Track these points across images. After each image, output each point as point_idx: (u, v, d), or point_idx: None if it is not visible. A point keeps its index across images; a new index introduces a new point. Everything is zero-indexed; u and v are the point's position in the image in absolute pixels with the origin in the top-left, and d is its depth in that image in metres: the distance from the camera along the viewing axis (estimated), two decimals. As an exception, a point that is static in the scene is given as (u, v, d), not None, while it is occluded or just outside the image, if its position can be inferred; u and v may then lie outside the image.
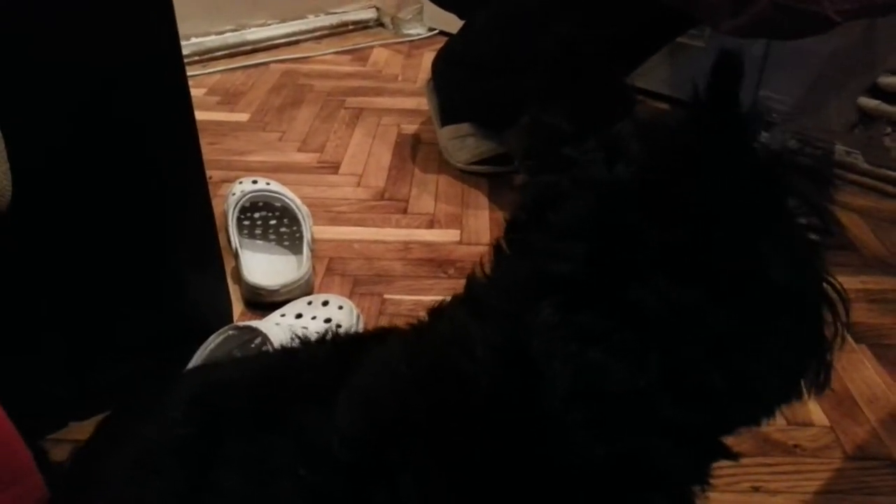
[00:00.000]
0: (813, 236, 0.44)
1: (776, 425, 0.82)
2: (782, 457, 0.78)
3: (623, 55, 1.23)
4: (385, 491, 0.38)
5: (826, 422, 0.83)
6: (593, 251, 0.39)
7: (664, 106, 1.45)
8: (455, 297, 0.46)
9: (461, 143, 1.31)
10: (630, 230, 0.39)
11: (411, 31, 1.98)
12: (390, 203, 1.24)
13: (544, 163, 0.45)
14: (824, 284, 0.44)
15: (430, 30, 1.97)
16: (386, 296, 1.02)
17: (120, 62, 0.68)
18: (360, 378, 0.44)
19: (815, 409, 0.84)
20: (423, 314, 0.49)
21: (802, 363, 0.43)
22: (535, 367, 0.38)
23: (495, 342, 0.40)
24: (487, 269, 0.45)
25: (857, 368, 0.90)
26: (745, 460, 0.76)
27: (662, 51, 1.39)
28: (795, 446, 0.80)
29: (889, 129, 1.24)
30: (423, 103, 1.45)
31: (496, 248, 0.45)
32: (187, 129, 0.78)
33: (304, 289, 0.98)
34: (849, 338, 0.95)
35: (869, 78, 1.23)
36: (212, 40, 1.75)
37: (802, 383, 0.44)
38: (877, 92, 1.23)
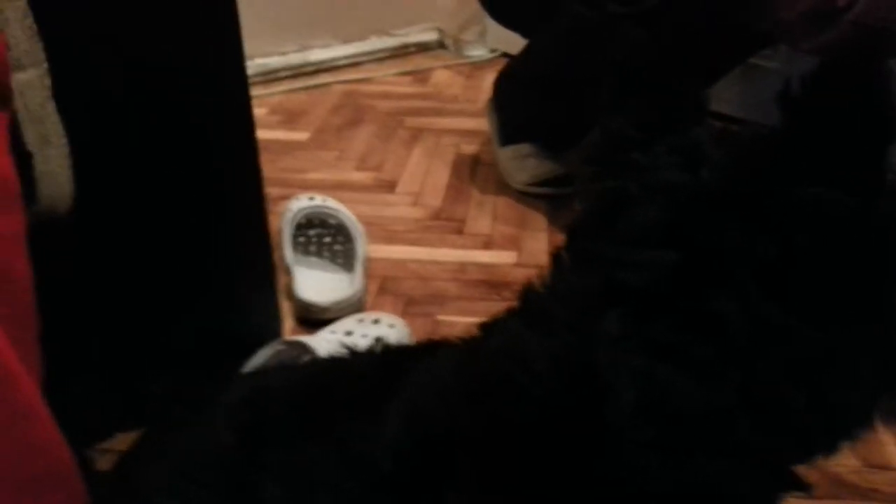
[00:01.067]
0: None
1: (851, 466, 0.76)
2: (857, 500, 0.73)
3: (693, 72, 1.20)
4: (432, 506, 0.36)
5: (908, 465, 0.76)
6: (672, 259, 0.36)
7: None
8: (510, 310, 0.43)
9: (521, 163, 1.29)
10: (716, 239, 0.36)
11: (473, 53, 1.98)
12: (447, 223, 1.22)
13: (610, 168, 0.42)
14: None
15: (493, 51, 1.96)
16: (439, 317, 0.99)
17: (188, 77, 0.69)
18: (409, 390, 0.41)
19: (893, 452, 0.78)
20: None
21: (882, 391, 0.40)
22: (597, 382, 0.35)
23: (554, 354, 0.37)
24: (546, 280, 0.42)
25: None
26: (816, 503, 0.71)
27: (734, 72, 1.34)
28: (872, 490, 0.74)
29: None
30: (483, 124, 1.44)
31: (556, 258, 0.43)
32: (249, 146, 0.79)
33: (355, 307, 0.97)
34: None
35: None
36: (275, 61, 1.78)
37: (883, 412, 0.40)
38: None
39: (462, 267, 1.10)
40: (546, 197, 1.27)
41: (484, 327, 0.45)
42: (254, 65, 1.72)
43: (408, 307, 1.01)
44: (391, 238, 1.17)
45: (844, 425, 0.41)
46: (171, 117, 0.69)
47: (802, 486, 0.41)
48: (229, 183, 0.77)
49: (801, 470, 0.41)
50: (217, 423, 0.46)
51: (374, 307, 1.00)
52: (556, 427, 0.36)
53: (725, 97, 1.41)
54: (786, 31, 0.99)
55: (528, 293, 0.43)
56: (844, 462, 0.76)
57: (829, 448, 0.41)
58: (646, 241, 0.38)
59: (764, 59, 1.33)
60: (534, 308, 0.42)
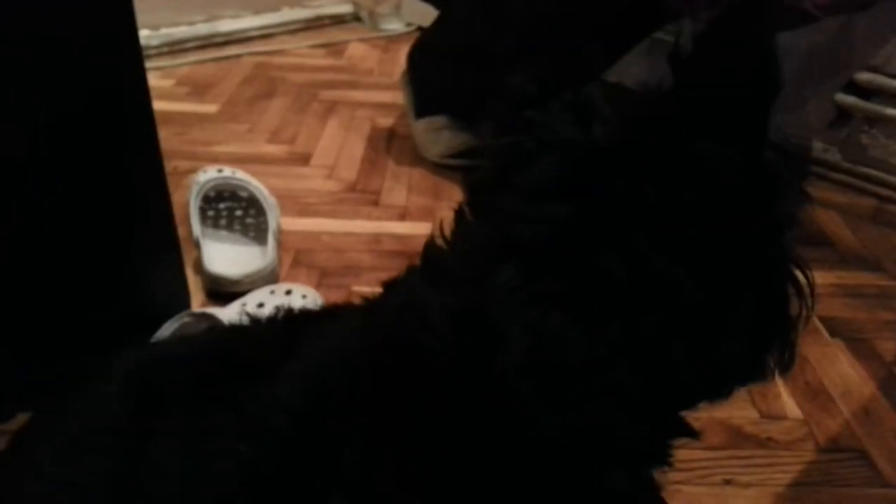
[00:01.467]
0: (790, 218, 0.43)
1: (749, 418, 0.80)
2: (755, 449, 0.76)
3: (597, 47, 1.22)
4: (326, 465, 0.36)
5: (800, 415, 0.81)
6: (565, 213, 0.37)
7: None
8: (410, 267, 0.43)
9: (436, 135, 1.29)
10: (606, 193, 0.37)
11: (389, 27, 1.96)
12: (362, 195, 1.21)
13: (508, 125, 0.43)
14: (792, 266, 0.42)
15: (408, 25, 1.95)
16: (354, 288, 0.99)
17: (74, 48, 0.65)
18: (307, 351, 0.41)
19: (788, 402, 0.82)
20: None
21: (766, 340, 0.42)
22: (493, 334, 0.36)
23: (451, 308, 0.37)
24: (447, 236, 0.42)
25: (831, 362, 0.89)
26: (717, 453, 0.75)
27: (639, 46, 1.38)
28: (769, 439, 0.78)
29: (866, 127, 1.24)
30: (398, 98, 1.43)
31: (458, 213, 0.43)
32: (145, 117, 0.75)
33: (267, 279, 0.95)
34: (824, 331, 0.94)
35: (846, 75, 1.23)
36: (182, 31, 1.71)
37: (766, 361, 0.42)
38: (854, 89, 1.22)
39: (377, 238, 1.09)
40: (461, 168, 1.27)
41: (386, 286, 0.45)
42: (160, 35, 1.65)
43: (322, 279, 1.00)
44: (305, 211, 1.15)
45: (728, 376, 0.43)
46: (60, 87, 0.65)
47: (690, 433, 0.43)
48: (126, 156, 0.74)
49: (703, 431, 0.43)
50: (111, 390, 0.45)
51: (288, 280, 0.99)
52: (451, 379, 0.37)
53: (632, 71, 1.44)
54: (684, 4, 1.02)
55: (429, 250, 0.43)
56: (743, 414, 0.81)
57: (714, 396, 0.42)
58: (541, 196, 0.38)
59: (667, 34, 1.37)
60: (434, 264, 0.42)
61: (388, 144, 1.38)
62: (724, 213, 0.38)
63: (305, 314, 0.50)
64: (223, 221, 1.06)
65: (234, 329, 0.50)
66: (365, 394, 0.38)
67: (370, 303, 0.45)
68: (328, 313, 0.47)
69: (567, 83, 0.44)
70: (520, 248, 0.38)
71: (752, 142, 0.39)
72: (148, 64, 0.73)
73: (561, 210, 0.38)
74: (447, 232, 0.43)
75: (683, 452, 0.44)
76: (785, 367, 0.44)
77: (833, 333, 0.93)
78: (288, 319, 0.48)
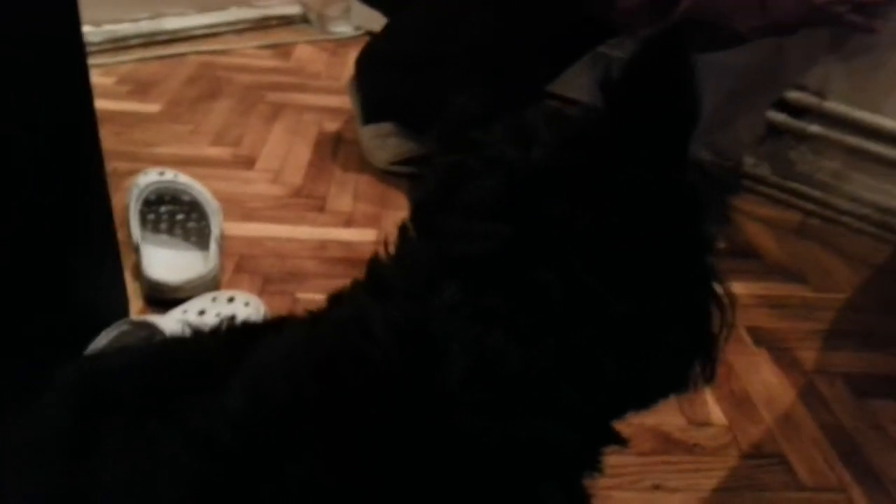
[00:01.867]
0: (711, 238, 0.45)
1: (677, 425, 0.83)
2: (683, 455, 0.80)
3: (541, 60, 1.25)
4: (271, 479, 0.36)
5: (725, 421, 0.85)
6: (504, 232, 0.39)
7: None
8: (355, 281, 0.45)
9: (382, 142, 1.30)
10: (543, 213, 0.39)
11: (337, 30, 1.95)
12: (307, 201, 1.21)
13: (452, 144, 0.44)
14: (715, 284, 0.45)
15: (357, 29, 1.95)
16: (298, 294, 0.99)
17: (13, 40, 0.63)
18: (252, 363, 0.41)
19: (714, 410, 0.86)
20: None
21: (690, 355, 0.44)
22: (435, 348, 0.37)
23: (395, 322, 0.38)
24: (392, 252, 0.44)
25: (756, 370, 0.93)
26: (646, 459, 0.78)
27: (583, 60, 1.41)
28: (695, 445, 0.81)
29: (795, 143, 1.30)
30: (346, 102, 1.43)
31: (402, 229, 0.44)
32: (86, 115, 0.74)
33: (209, 286, 0.94)
34: (749, 341, 0.99)
35: (776, 93, 1.29)
36: (125, 28, 1.67)
37: (690, 375, 0.45)
38: (784, 107, 1.28)
39: (322, 244, 1.10)
40: (407, 176, 1.28)
41: (331, 299, 0.46)
42: (102, 31, 1.61)
43: (266, 285, 1.00)
44: (249, 215, 1.15)
45: (655, 387, 0.46)
46: None
47: (620, 441, 0.45)
48: (65, 155, 0.72)
49: (633, 437, 0.45)
50: (53, 403, 0.44)
51: (231, 286, 0.98)
52: (394, 394, 0.38)
53: (576, 83, 1.48)
54: (625, 20, 1.05)
55: (373, 264, 0.44)
56: (671, 420, 0.84)
57: (642, 406, 0.45)
58: (482, 214, 0.40)
59: (611, 49, 1.41)
60: (378, 278, 0.43)
61: (335, 149, 1.38)
62: (650, 233, 0.40)
63: (249, 326, 0.50)
64: (164, 225, 1.05)
65: (177, 340, 0.50)
66: (309, 407, 0.38)
67: (315, 315, 0.46)
68: (272, 325, 0.48)
69: (510, 102, 0.46)
70: (461, 265, 0.39)
71: (674, 166, 0.41)
72: (89, 61, 0.72)
73: (501, 229, 0.39)
74: (391, 247, 0.44)
75: (614, 458, 0.46)
76: (707, 380, 0.47)
77: (758, 343, 0.98)
78: (231, 331, 0.48)
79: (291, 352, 0.42)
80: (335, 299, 0.46)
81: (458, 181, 0.43)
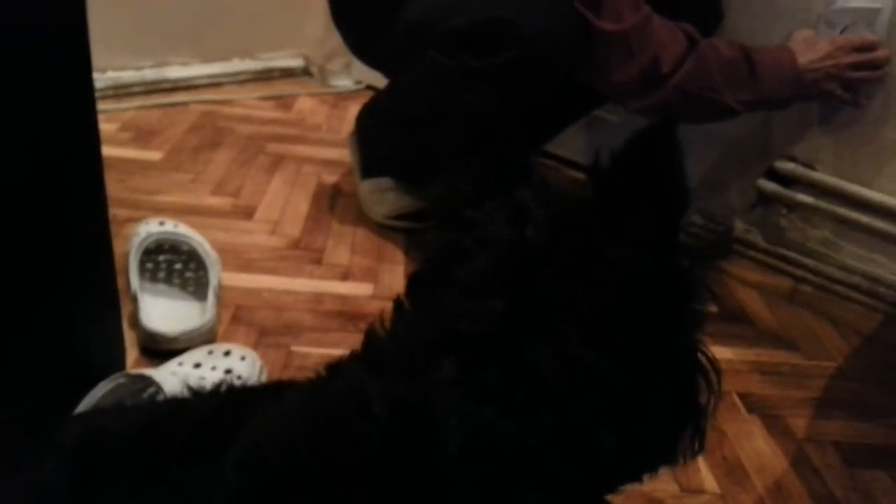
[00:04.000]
0: (695, 309, 0.47)
1: (670, 492, 0.83)
2: (675, 524, 0.80)
3: (540, 123, 1.29)
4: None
5: (717, 489, 0.85)
6: (499, 309, 0.40)
7: (579, 174, 1.51)
8: (353, 353, 0.45)
9: (381, 197, 1.32)
10: (538, 291, 0.40)
11: (339, 83, 1.99)
12: (305, 253, 1.22)
13: (447, 223, 0.46)
14: (699, 356, 0.46)
15: (358, 83, 1.99)
16: (293, 348, 0.99)
17: (28, 84, 0.64)
18: (251, 434, 0.42)
19: (707, 477, 0.86)
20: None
21: (680, 427, 0.45)
22: (432, 424, 0.38)
23: (392, 398, 0.39)
24: (388, 325, 0.44)
25: (748, 437, 0.94)
26: (639, 527, 0.78)
27: (580, 122, 1.45)
28: (688, 513, 0.81)
29: (785, 211, 1.32)
30: (345, 155, 1.45)
31: (397, 304, 0.45)
32: (93, 162, 0.74)
33: (205, 337, 0.94)
34: (741, 407, 0.99)
35: (766, 162, 1.32)
36: (129, 75, 1.70)
37: (680, 447, 0.46)
38: (774, 175, 1.31)
39: (318, 297, 1.10)
40: (404, 230, 1.30)
41: (329, 368, 0.47)
42: (105, 78, 1.64)
43: (261, 337, 1.00)
44: (246, 266, 1.15)
45: (648, 460, 0.46)
46: (4, 123, 0.63)
47: None
48: (69, 201, 0.73)
49: (618, 497, 0.46)
50: (51, 465, 0.44)
51: (226, 337, 0.98)
52: (390, 468, 0.38)
53: (573, 145, 1.51)
54: (618, 92, 1.09)
55: (370, 338, 0.45)
56: (664, 487, 0.84)
57: (634, 479, 0.46)
58: (477, 292, 0.41)
59: (606, 113, 1.45)
60: (375, 352, 0.44)
61: (333, 202, 1.39)
62: (641, 311, 0.42)
63: (248, 391, 0.50)
64: (162, 275, 1.05)
65: (177, 403, 0.50)
66: (306, 482, 0.39)
67: (313, 384, 0.46)
68: (271, 391, 0.48)
69: (503, 179, 0.48)
70: (457, 342, 0.40)
71: (664, 246, 0.43)
72: (92, 107, 0.73)
73: (496, 306, 0.41)
74: (387, 321, 0.45)
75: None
76: (697, 451, 0.48)
77: (750, 410, 0.99)
78: (231, 395, 0.49)
79: (289, 424, 0.42)
80: (333, 369, 0.46)
81: (453, 259, 0.44)
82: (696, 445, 0.48)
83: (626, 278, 0.41)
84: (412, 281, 0.46)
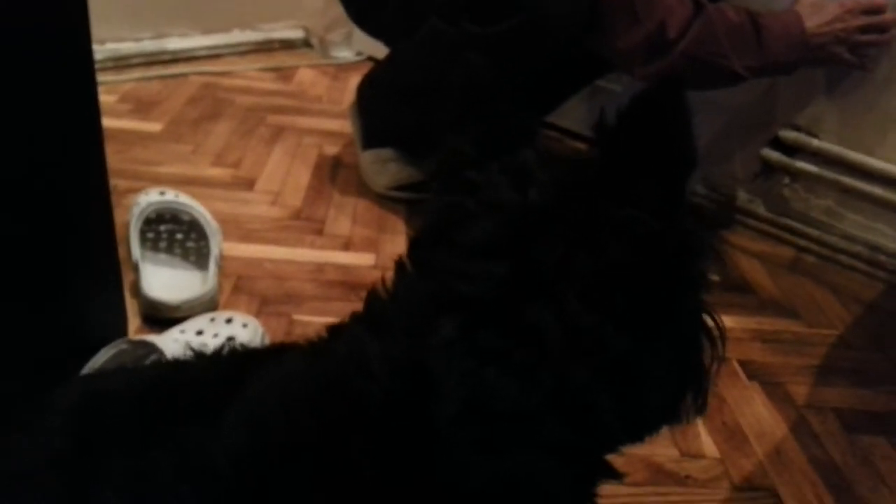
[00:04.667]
0: (700, 273, 0.46)
1: (670, 456, 0.84)
2: (674, 486, 0.80)
3: (543, 93, 1.27)
4: (268, 510, 0.37)
5: (717, 454, 0.85)
6: (501, 272, 0.40)
7: (580, 145, 1.50)
8: (354, 315, 0.45)
9: (382, 167, 1.31)
10: (540, 253, 0.40)
11: (339, 55, 1.98)
12: (306, 223, 1.22)
13: (449, 185, 0.46)
14: (706, 318, 0.46)
15: (359, 54, 1.97)
16: (294, 317, 0.99)
17: (28, 56, 0.64)
18: (252, 394, 0.42)
19: (707, 442, 0.87)
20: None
21: (683, 388, 0.45)
22: (432, 384, 0.38)
23: (393, 358, 0.39)
24: (389, 287, 0.44)
25: (748, 404, 0.94)
26: (638, 489, 0.78)
27: (582, 92, 1.44)
28: (687, 477, 0.82)
29: (788, 180, 1.32)
30: (346, 126, 1.45)
31: (399, 266, 0.45)
32: (92, 132, 0.74)
33: (207, 306, 0.94)
34: (742, 374, 0.99)
35: (771, 132, 1.31)
36: (128, 47, 1.69)
37: (682, 407, 0.46)
38: (778, 145, 1.30)
39: (320, 267, 1.10)
40: (405, 201, 1.30)
41: (331, 330, 0.47)
42: (104, 49, 1.63)
43: (263, 307, 1.00)
44: (248, 236, 1.15)
45: (648, 421, 0.46)
46: (4, 96, 0.63)
47: (615, 475, 0.46)
48: (70, 171, 0.73)
49: (625, 466, 0.46)
50: (53, 427, 0.45)
51: (228, 306, 0.98)
52: (391, 430, 0.38)
53: (575, 115, 1.50)
54: (623, 59, 1.08)
55: (371, 299, 0.45)
56: (664, 452, 0.84)
57: (635, 440, 0.46)
58: (479, 254, 0.41)
59: (608, 82, 1.44)
60: (376, 314, 0.44)
61: (334, 173, 1.39)
62: (646, 274, 0.42)
63: (250, 353, 0.51)
64: (163, 244, 1.05)
65: (178, 364, 0.50)
66: (307, 441, 0.39)
67: (314, 346, 0.46)
68: (272, 353, 0.48)
69: (506, 141, 0.47)
70: (458, 303, 0.40)
71: (670, 209, 0.42)
72: (92, 78, 0.73)
73: (498, 268, 0.40)
74: (389, 283, 0.45)
75: (606, 488, 0.46)
76: (699, 411, 0.48)
77: (750, 377, 0.99)
78: (233, 357, 0.49)
79: (290, 385, 0.42)
80: (334, 331, 0.46)
81: (455, 221, 0.44)
82: (700, 405, 0.48)
83: (630, 241, 0.41)
84: (414, 243, 0.46)
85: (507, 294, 0.40)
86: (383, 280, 0.45)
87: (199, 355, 0.50)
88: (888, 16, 1.10)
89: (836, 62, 1.12)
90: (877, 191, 1.21)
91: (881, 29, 1.10)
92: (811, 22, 1.07)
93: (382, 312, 0.43)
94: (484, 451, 0.38)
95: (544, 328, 0.39)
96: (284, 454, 0.39)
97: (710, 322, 0.47)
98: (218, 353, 0.51)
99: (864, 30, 1.09)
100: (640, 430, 0.46)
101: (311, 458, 0.38)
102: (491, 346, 0.39)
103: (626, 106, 0.40)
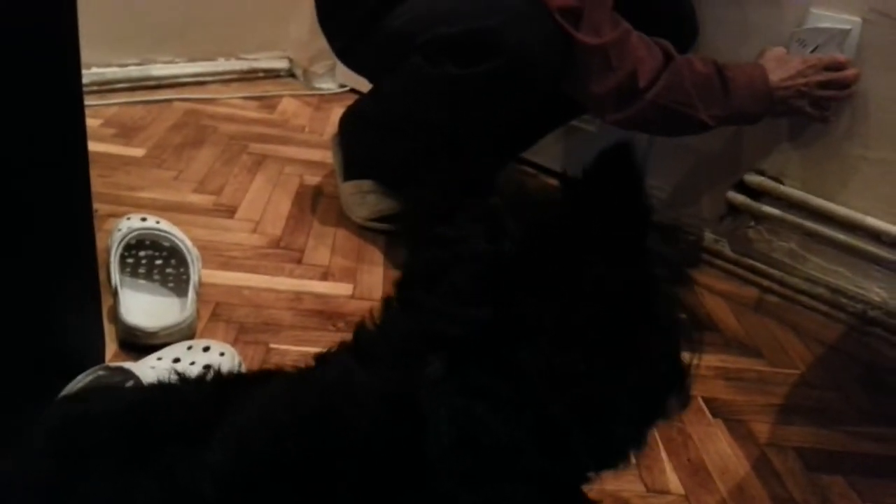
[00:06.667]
0: (675, 313, 0.49)
1: (636, 492, 0.86)
2: (641, 522, 0.82)
3: (518, 132, 1.31)
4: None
5: (682, 490, 0.88)
6: (484, 316, 0.43)
7: (554, 182, 1.54)
8: (342, 345, 0.47)
9: (362, 198, 1.33)
10: (518, 300, 0.43)
11: (322, 85, 2.01)
12: (285, 252, 1.23)
13: (422, 241, 0.48)
14: (671, 360, 0.49)
15: (342, 86, 2.01)
16: (272, 345, 1.00)
17: (14, 83, 0.65)
18: (238, 419, 0.43)
19: (672, 478, 0.89)
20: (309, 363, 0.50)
21: (648, 420, 0.48)
22: (419, 417, 0.40)
23: (379, 388, 0.41)
24: (377, 320, 0.47)
25: (712, 441, 0.97)
26: (605, 524, 0.80)
27: (557, 131, 1.48)
28: (654, 512, 0.84)
29: (753, 222, 1.37)
30: (327, 156, 1.47)
31: (386, 302, 0.48)
32: (78, 158, 0.75)
33: (185, 333, 0.95)
34: (706, 411, 1.02)
35: (736, 175, 1.36)
36: (113, 72, 1.71)
37: (646, 435, 0.49)
38: (743, 188, 1.35)
39: (298, 296, 1.12)
40: (384, 232, 1.32)
41: (318, 359, 0.49)
42: (90, 74, 1.64)
43: (240, 335, 1.01)
44: (227, 264, 1.16)
45: (616, 451, 0.49)
46: None
47: (587, 502, 0.48)
48: (54, 194, 0.73)
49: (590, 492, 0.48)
50: (35, 447, 0.45)
51: (206, 334, 0.99)
52: (378, 456, 0.40)
53: (550, 153, 1.54)
54: (596, 103, 1.12)
55: (360, 331, 0.47)
56: (630, 487, 0.86)
57: (603, 467, 0.48)
58: (461, 300, 0.44)
59: (583, 123, 1.49)
60: (364, 345, 0.46)
61: (315, 203, 1.41)
62: (613, 317, 0.45)
63: (235, 378, 0.52)
64: (142, 270, 1.06)
65: (163, 388, 0.51)
66: (292, 465, 0.40)
67: (301, 373, 0.48)
68: (258, 379, 0.50)
69: (471, 189, 0.50)
70: (444, 342, 0.43)
71: (634, 259, 0.46)
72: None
73: (480, 313, 0.43)
74: (376, 316, 0.47)
75: (577, 522, 0.49)
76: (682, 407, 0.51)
77: (714, 414, 1.02)
78: (218, 383, 0.50)
79: (277, 409, 0.44)
80: (321, 359, 0.48)
81: (433, 273, 0.46)
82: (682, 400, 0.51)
83: (596, 288, 0.44)
84: (400, 284, 0.48)
85: (490, 336, 0.42)
86: (371, 313, 0.47)
87: (184, 379, 0.51)
88: (849, 72, 1.15)
89: (798, 114, 1.18)
90: (838, 235, 1.26)
91: (842, 85, 1.16)
92: (775, 76, 1.12)
93: (370, 344, 0.45)
94: (470, 481, 0.40)
95: (525, 368, 0.42)
96: (270, 477, 0.40)
97: (680, 360, 0.50)
98: (202, 377, 0.52)
99: (826, 85, 1.15)
100: (608, 458, 0.49)
101: (297, 481, 0.40)
102: (477, 384, 0.41)
103: (590, 163, 0.44)
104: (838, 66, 1.15)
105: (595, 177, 0.44)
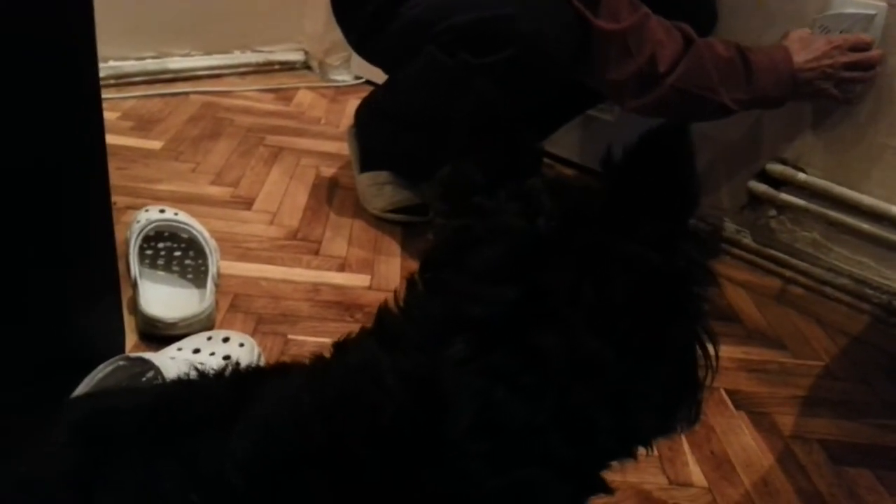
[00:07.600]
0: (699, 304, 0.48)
1: (658, 484, 0.85)
2: (663, 514, 0.81)
3: (536, 121, 1.30)
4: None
5: (705, 483, 0.87)
6: (511, 297, 0.42)
7: (571, 171, 1.53)
8: (364, 329, 0.47)
9: (378, 190, 1.33)
10: (548, 281, 0.42)
11: (338, 77, 2.00)
12: (302, 244, 1.23)
13: (457, 208, 0.47)
14: (703, 344, 0.48)
15: (357, 78, 2.00)
16: (290, 336, 1.00)
17: (35, 72, 0.65)
18: (260, 407, 0.43)
19: (695, 471, 0.88)
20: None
21: (675, 408, 0.47)
22: (442, 399, 0.39)
23: (404, 372, 0.41)
24: (400, 303, 0.46)
25: (735, 433, 0.96)
26: (627, 516, 0.79)
27: (575, 121, 1.47)
28: (676, 505, 0.83)
29: (775, 212, 1.34)
30: (343, 148, 1.47)
31: (410, 283, 0.47)
32: (96, 151, 0.76)
33: (204, 324, 0.95)
34: (729, 404, 1.01)
35: (757, 164, 1.34)
36: (131, 65, 1.71)
37: (673, 424, 0.48)
38: (765, 177, 1.33)
39: (315, 287, 1.12)
40: (401, 224, 1.32)
41: (337, 346, 0.48)
42: (107, 67, 1.65)
43: (259, 325, 1.01)
44: (245, 255, 1.16)
45: (640, 438, 0.48)
46: (11, 112, 0.65)
47: (607, 489, 0.47)
48: (73, 186, 0.74)
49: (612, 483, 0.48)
50: (60, 440, 0.45)
51: (224, 325, 0.99)
52: (401, 439, 0.40)
53: (567, 143, 1.53)
54: (614, 91, 1.10)
55: (383, 314, 0.46)
56: (653, 480, 0.86)
57: (627, 455, 0.47)
58: (489, 279, 0.43)
59: (600, 112, 1.47)
60: (388, 328, 0.45)
61: (331, 194, 1.41)
62: (647, 304, 0.44)
63: (255, 370, 0.52)
64: (161, 262, 1.06)
65: (183, 382, 0.51)
66: (317, 451, 0.40)
67: (321, 361, 0.47)
68: (278, 370, 0.49)
69: (513, 167, 0.49)
70: (469, 323, 0.42)
71: (671, 243, 0.44)
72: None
73: (508, 293, 0.42)
74: (400, 299, 0.46)
75: (598, 512, 0.48)
76: (691, 423, 0.50)
77: (738, 406, 1.01)
78: (237, 375, 0.50)
79: (300, 396, 0.44)
80: (341, 346, 0.48)
81: (465, 244, 0.45)
82: (693, 417, 0.50)
83: (632, 273, 0.43)
84: (425, 263, 0.47)
85: (516, 317, 0.41)
86: (395, 294, 0.46)
87: (203, 374, 0.51)
88: (874, 53, 1.13)
89: (822, 97, 1.16)
90: (862, 225, 1.24)
91: (867, 66, 1.13)
92: (799, 57, 1.10)
93: (394, 327, 0.45)
94: (491, 464, 0.39)
95: (550, 352, 0.41)
96: (294, 463, 0.40)
97: (703, 352, 0.49)
98: (221, 372, 0.52)
99: (851, 66, 1.12)
100: (633, 445, 0.48)
101: (321, 466, 0.39)
102: (500, 367, 0.40)
103: (633, 144, 0.42)
104: (864, 47, 1.13)
105: (638, 158, 0.42)
